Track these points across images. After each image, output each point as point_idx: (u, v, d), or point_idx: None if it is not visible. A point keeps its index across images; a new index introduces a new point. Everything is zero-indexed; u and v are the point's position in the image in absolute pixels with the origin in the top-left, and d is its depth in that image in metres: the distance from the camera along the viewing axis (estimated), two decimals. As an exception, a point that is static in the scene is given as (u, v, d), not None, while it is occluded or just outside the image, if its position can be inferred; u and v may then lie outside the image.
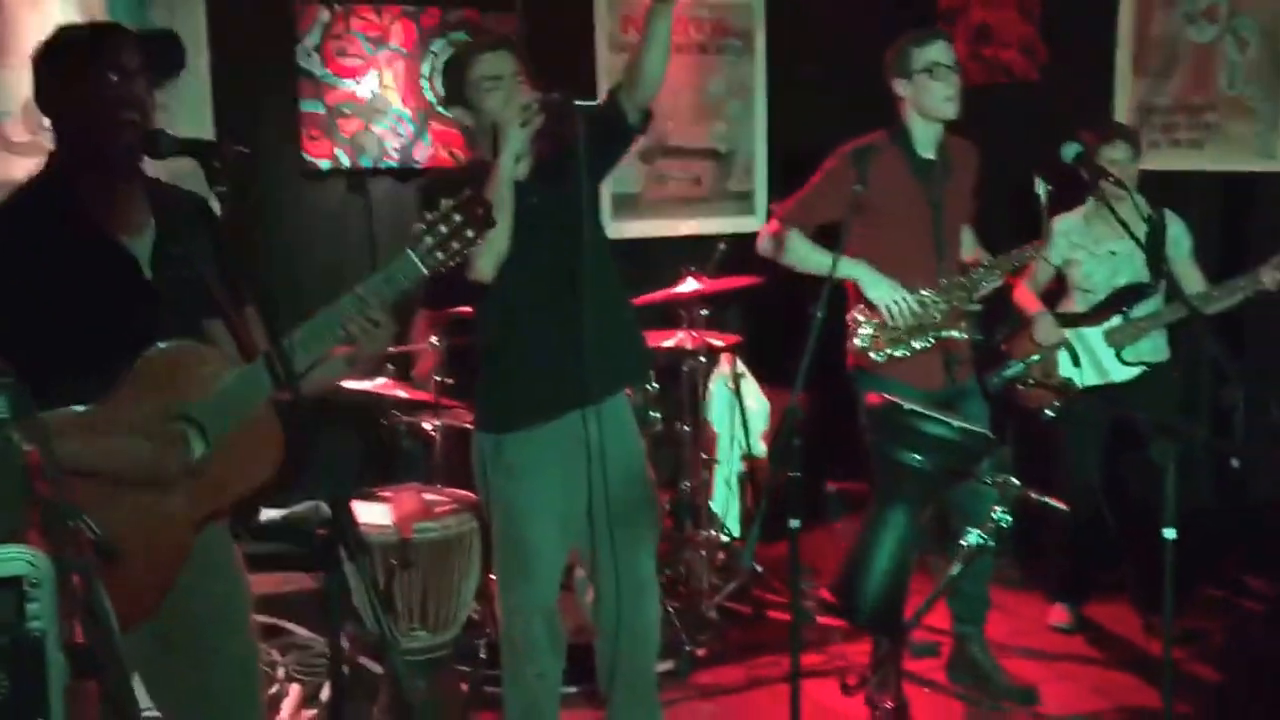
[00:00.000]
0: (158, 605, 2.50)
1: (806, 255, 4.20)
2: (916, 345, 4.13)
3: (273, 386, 2.50)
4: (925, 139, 4.18)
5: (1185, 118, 5.34)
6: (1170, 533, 2.93)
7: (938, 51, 4.11)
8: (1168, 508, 2.92)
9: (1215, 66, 5.19)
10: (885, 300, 4.09)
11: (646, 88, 3.35)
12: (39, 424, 1.39)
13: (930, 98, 4.12)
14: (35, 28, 5.03)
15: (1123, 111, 5.48)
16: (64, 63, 2.52)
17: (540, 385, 3.43)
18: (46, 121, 2.56)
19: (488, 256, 3.23)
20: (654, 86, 3.35)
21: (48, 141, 2.61)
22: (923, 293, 4.13)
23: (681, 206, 6.57)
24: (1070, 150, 3.92)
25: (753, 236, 6.53)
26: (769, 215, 4.36)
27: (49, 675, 1.33)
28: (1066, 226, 4.80)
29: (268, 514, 5.31)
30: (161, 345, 2.47)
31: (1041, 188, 3.96)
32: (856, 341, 4.15)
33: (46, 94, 2.55)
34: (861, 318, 4.16)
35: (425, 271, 2.59)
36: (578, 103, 3.23)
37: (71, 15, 5.09)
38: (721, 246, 5.36)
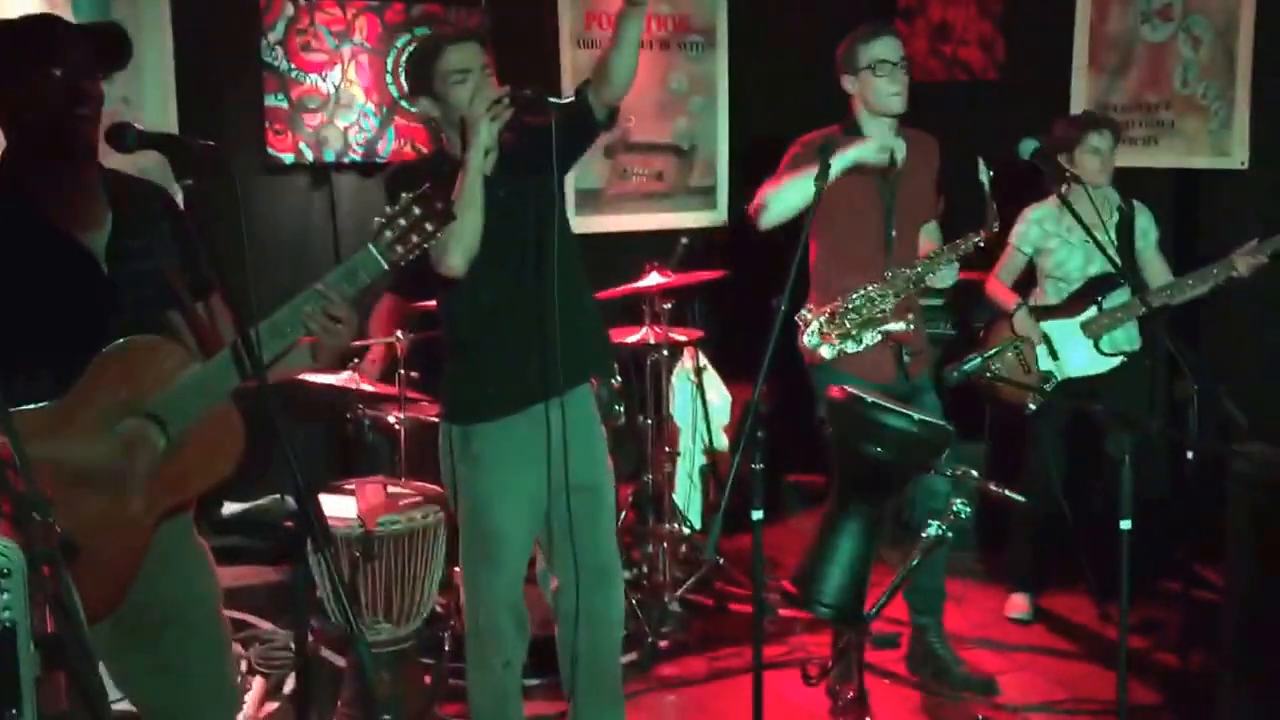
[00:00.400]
0: (120, 598, 2.50)
1: (789, 184, 4.06)
2: (866, 339, 4.16)
3: (238, 378, 2.51)
4: (877, 134, 4.18)
5: (1141, 115, 5.42)
6: (1126, 524, 2.98)
7: (883, 48, 4.13)
8: (1124, 499, 2.96)
9: (1170, 65, 5.27)
10: (871, 148, 4.00)
11: (615, 87, 3.37)
12: (8, 417, 1.40)
13: (876, 94, 4.14)
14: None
15: (1079, 108, 5.55)
16: (2, 59, 2.48)
17: (507, 377, 3.46)
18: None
19: (459, 250, 3.25)
20: (622, 86, 3.38)
21: None
22: (869, 287, 4.15)
23: (644, 201, 6.60)
24: (1027, 147, 3.95)
25: (715, 231, 6.65)
26: (743, 216, 4.34)
27: (20, 666, 1.33)
28: (1040, 214, 4.83)
29: (230, 507, 5.34)
30: (121, 340, 2.47)
31: (984, 174, 4.00)
32: (806, 339, 4.17)
33: None
34: (809, 314, 4.19)
35: (385, 266, 2.60)
36: (550, 99, 3.26)
37: (33, 6, 5.04)
38: (684, 241, 5.39)
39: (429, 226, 2.60)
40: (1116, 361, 4.78)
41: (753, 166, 6.72)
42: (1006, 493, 3.38)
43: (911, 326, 4.18)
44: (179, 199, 2.73)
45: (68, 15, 5.02)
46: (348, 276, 2.59)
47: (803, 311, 4.21)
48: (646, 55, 6.50)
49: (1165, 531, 4.62)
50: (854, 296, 4.15)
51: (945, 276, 4.19)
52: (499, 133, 3.28)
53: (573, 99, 3.44)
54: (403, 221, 2.59)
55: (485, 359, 3.48)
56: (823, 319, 4.16)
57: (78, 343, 2.45)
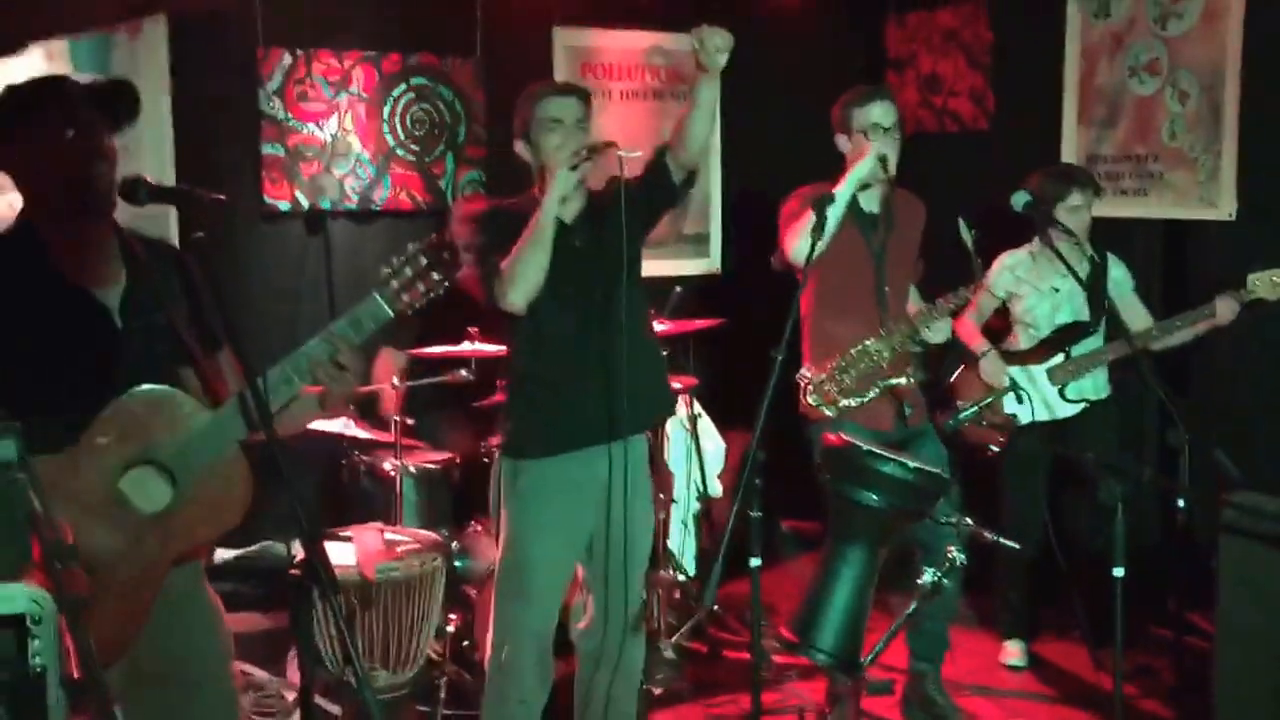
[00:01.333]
0: (126, 646, 2.51)
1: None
2: (867, 395, 4.19)
3: (246, 428, 2.53)
4: (868, 192, 4.25)
5: (1130, 166, 5.49)
6: (1119, 571, 3.01)
7: (878, 113, 4.19)
8: (1116, 547, 2.99)
9: (1158, 118, 5.35)
10: (867, 164, 4.07)
11: (691, 150, 3.48)
12: (33, 468, 1.43)
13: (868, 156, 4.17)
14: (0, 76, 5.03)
15: (1069, 160, 5.62)
16: (14, 122, 2.53)
17: (565, 417, 3.56)
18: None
19: (520, 287, 3.39)
20: (698, 150, 3.49)
21: (6, 184, 2.62)
22: (866, 341, 4.19)
23: (637, 249, 6.63)
24: (1020, 199, 4.04)
25: (709, 279, 6.69)
26: (778, 261, 4.38)
27: (49, 710, 1.36)
28: (1013, 261, 4.93)
29: (222, 554, 5.34)
30: (131, 391, 2.50)
31: (966, 232, 4.06)
32: (809, 399, 4.19)
33: (2, 153, 2.56)
34: (809, 374, 4.21)
35: (392, 315, 2.63)
36: (620, 152, 3.36)
37: (33, 60, 5.10)
38: (678, 289, 5.43)
39: (436, 276, 2.64)
40: (1078, 408, 4.86)
41: (746, 215, 6.82)
42: (1000, 540, 3.41)
43: (911, 381, 4.23)
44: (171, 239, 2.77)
45: (66, 66, 5.10)
46: (354, 325, 2.62)
47: (803, 371, 4.23)
48: (641, 105, 6.58)
49: (1157, 579, 4.65)
50: (851, 351, 4.19)
51: (939, 331, 4.23)
52: (579, 184, 3.44)
53: (650, 161, 3.57)
54: (409, 270, 2.63)
55: (544, 397, 3.58)
56: (823, 378, 4.18)
57: (90, 395, 2.47)
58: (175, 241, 5.08)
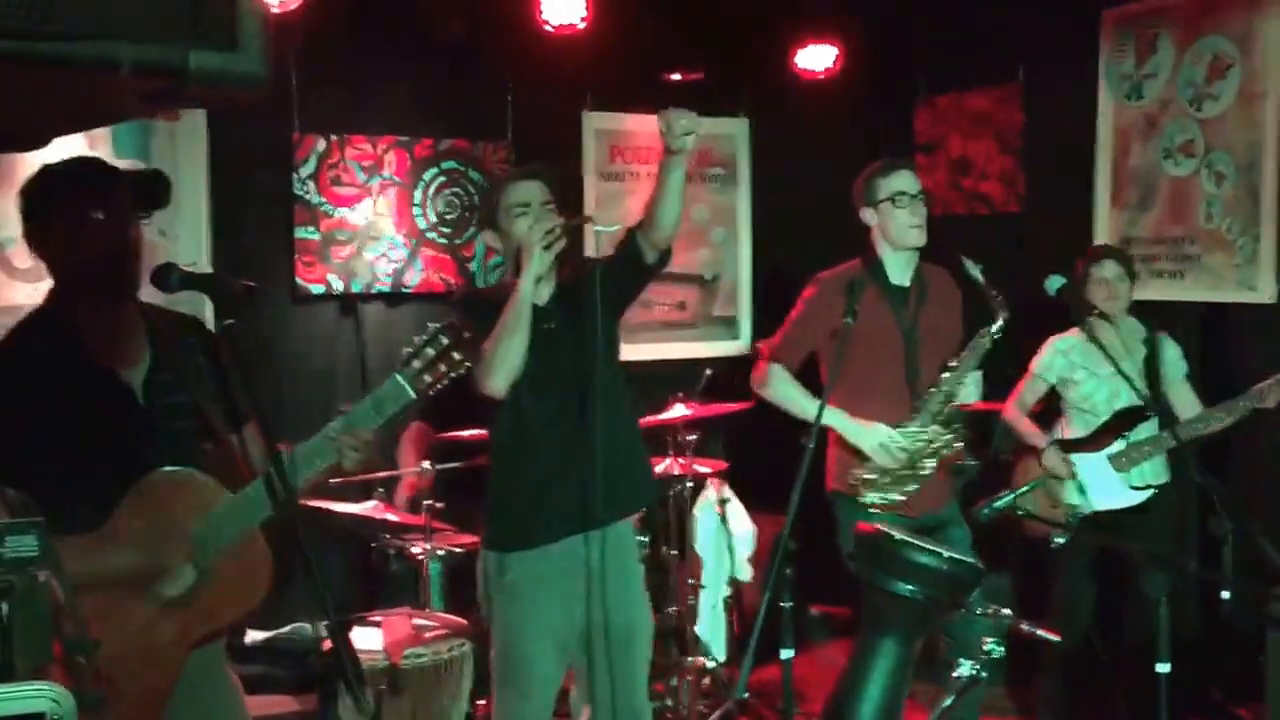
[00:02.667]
0: None
1: (792, 399, 4.18)
2: (923, 473, 4.11)
3: (270, 508, 2.52)
4: (897, 267, 4.20)
5: (1166, 249, 5.44)
6: (1164, 667, 2.93)
7: (901, 181, 4.17)
8: (1161, 641, 2.92)
9: (1193, 200, 5.32)
10: (873, 446, 4.06)
11: (662, 230, 3.47)
12: (57, 559, 1.42)
13: (895, 225, 4.14)
14: (39, 154, 5.09)
15: (1103, 243, 5.58)
16: (46, 202, 2.57)
17: (547, 506, 3.51)
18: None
19: (501, 372, 3.35)
20: (669, 229, 3.47)
21: (42, 266, 2.66)
22: (905, 426, 4.11)
23: (667, 331, 6.64)
24: (1054, 283, 3.98)
25: (738, 361, 6.67)
26: (755, 351, 4.38)
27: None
28: (1065, 345, 4.81)
29: (253, 635, 5.30)
30: (154, 473, 2.50)
31: (973, 268, 4.03)
32: (868, 498, 4.09)
33: (31, 233, 2.60)
34: (862, 474, 4.11)
35: (413, 395, 2.63)
36: (598, 227, 3.37)
37: (77, 143, 5.16)
38: (708, 372, 5.41)
39: (457, 356, 2.64)
40: (1145, 495, 4.71)
41: (775, 296, 6.80)
42: (1040, 632, 3.34)
43: (960, 443, 4.13)
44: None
45: (108, 150, 5.18)
46: (376, 406, 2.63)
47: (855, 472, 4.11)
48: (670, 188, 6.60)
49: (1201, 671, 4.54)
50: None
51: (970, 390, 4.16)
52: (555, 265, 3.42)
53: (622, 240, 3.55)
54: (430, 351, 2.63)
55: (524, 487, 3.53)
56: (875, 472, 4.09)
57: (114, 475, 2.48)
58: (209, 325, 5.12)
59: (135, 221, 2.57)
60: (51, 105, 1.32)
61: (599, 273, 3.43)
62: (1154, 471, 4.74)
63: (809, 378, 4.27)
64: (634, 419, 3.71)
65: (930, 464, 4.10)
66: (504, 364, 3.35)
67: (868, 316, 4.01)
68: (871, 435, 4.07)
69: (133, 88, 1.17)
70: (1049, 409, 4.95)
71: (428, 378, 2.63)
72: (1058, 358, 4.82)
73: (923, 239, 4.15)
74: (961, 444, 4.14)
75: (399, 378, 2.63)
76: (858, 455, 4.11)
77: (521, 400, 3.43)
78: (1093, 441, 4.75)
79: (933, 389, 4.12)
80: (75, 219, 2.52)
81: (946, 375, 4.11)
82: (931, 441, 4.09)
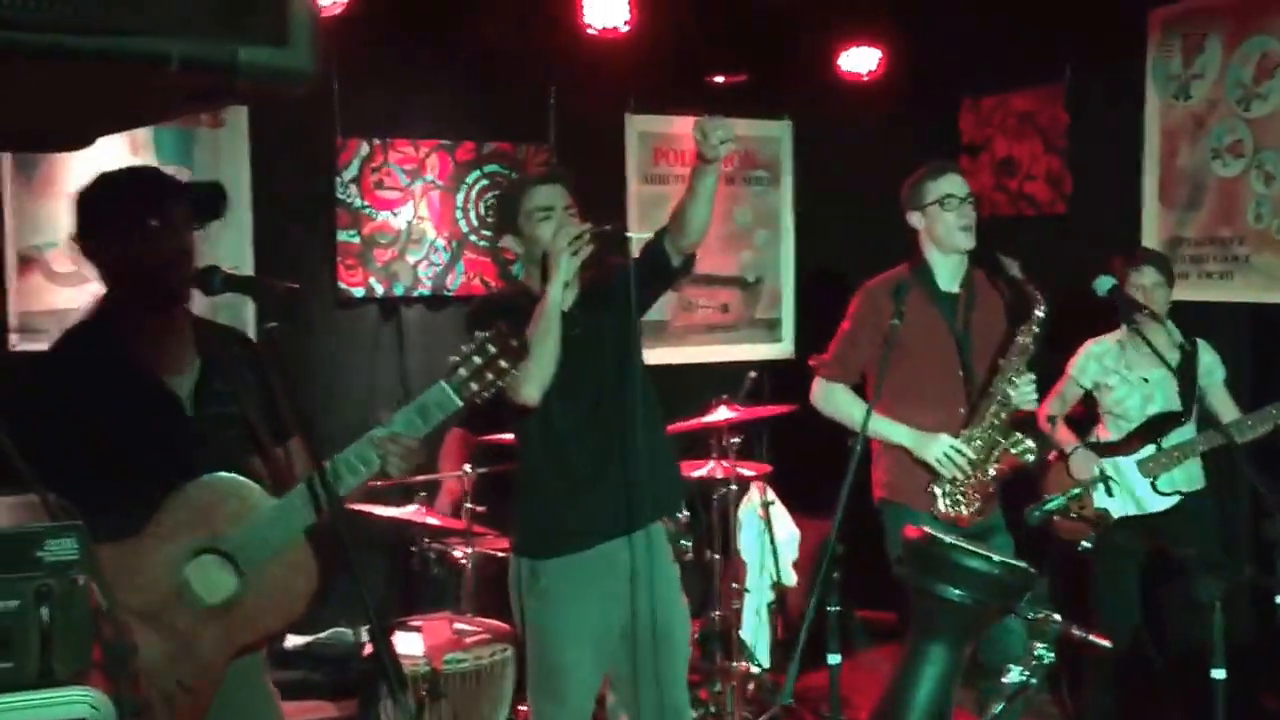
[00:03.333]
0: None
1: (849, 414, 4.13)
2: (989, 479, 4.06)
3: (313, 516, 2.51)
4: (946, 271, 4.15)
5: (1214, 249, 5.37)
6: (1219, 673, 2.88)
7: (950, 183, 4.12)
8: (1216, 647, 2.86)
9: (1242, 200, 5.24)
10: (937, 456, 4.02)
11: (690, 235, 3.45)
12: (99, 566, 1.41)
13: (944, 228, 4.10)
14: (81, 160, 5.13)
15: (1151, 243, 5.51)
16: (103, 209, 2.56)
17: (579, 513, 3.47)
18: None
19: (534, 382, 3.31)
20: (697, 234, 3.46)
21: (90, 272, 2.66)
22: (964, 432, 4.05)
23: (710, 334, 6.62)
24: (1104, 284, 3.94)
25: (781, 363, 6.64)
26: (808, 364, 4.35)
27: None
28: (1100, 349, 4.78)
29: (293, 640, 5.31)
30: (197, 480, 2.49)
31: (1011, 267, 3.99)
32: (950, 512, 4.03)
33: (87, 239, 2.59)
34: (936, 489, 4.05)
35: (460, 403, 2.61)
36: (629, 234, 3.34)
37: (119, 150, 5.21)
38: (751, 374, 5.38)
39: (504, 364, 2.62)
40: (1172, 501, 4.67)
41: (817, 299, 6.77)
42: (1091, 637, 3.28)
43: (1023, 440, 4.05)
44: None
45: (150, 155, 5.21)
46: (421, 413, 2.61)
47: (930, 488, 4.05)
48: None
49: (1255, 678, 4.46)
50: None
51: (1025, 392, 4.04)
52: (579, 269, 3.38)
53: (649, 243, 3.52)
54: (477, 359, 2.61)
55: (557, 493, 3.50)
56: (946, 485, 4.03)
57: (158, 483, 2.47)
58: (251, 329, 5.14)
59: (191, 231, 2.57)
60: (99, 103, 1.31)
61: (633, 274, 3.39)
62: (1185, 478, 4.69)
63: (862, 387, 4.24)
64: (661, 419, 3.67)
65: (994, 470, 4.05)
66: (538, 373, 3.30)
67: (917, 321, 3.98)
68: (935, 445, 4.02)
69: (181, 84, 1.15)
70: (1090, 414, 4.89)
71: (474, 386, 2.61)
72: (1091, 362, 4.78)
73: (971, 242, 4.10)
74: (1029, 449, 4.05)
75: (445, 386, 2.61)
76: (924, 468, 4.06)
77: (550, 407, 3.39)
78: (1125, 445, 4.71)
79: (986, 393, 4.07)
80: (132, 227, 2.51)
81: (996, 377, 4.06)
82: (993, 448, 4.04)
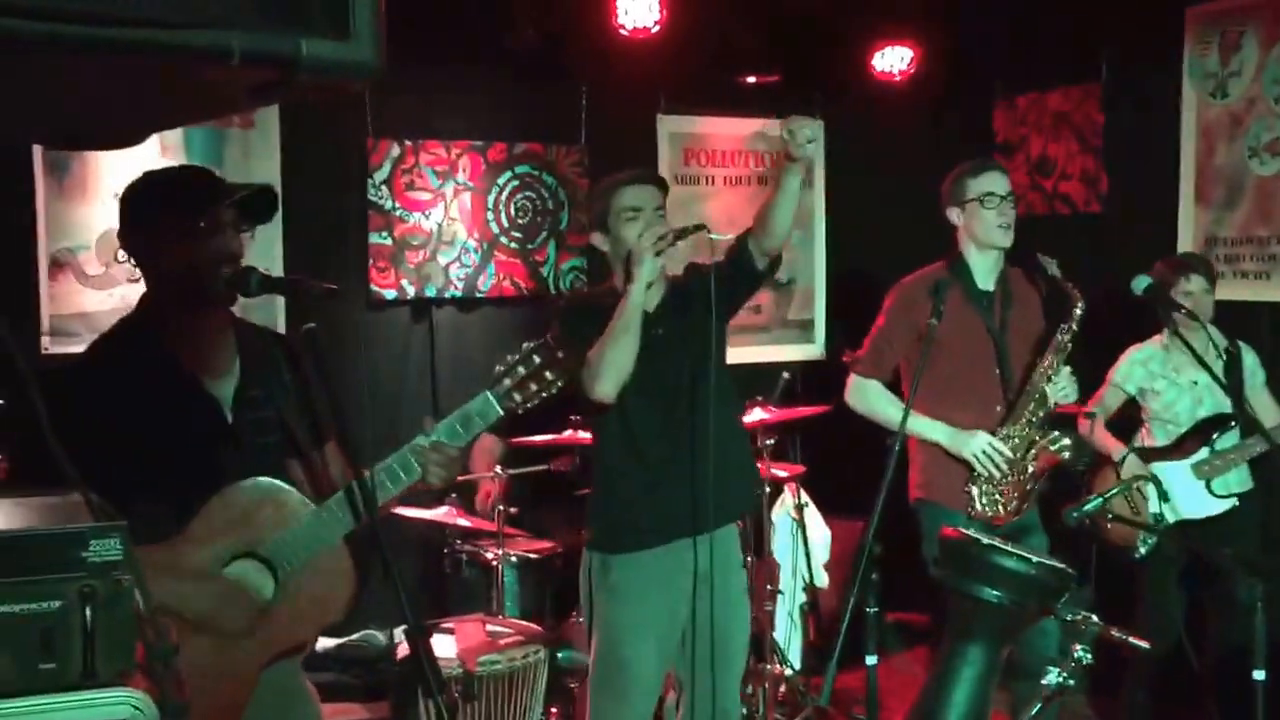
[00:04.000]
0: None
1: (884, 412, 4.15)
2: (1026, 477, 4.04)
3: (353, 523, 2.50)
4: (983, 269, 4.15)
5: (1252, 249, 5.32)
6: (1260, 674, 2.85)
7: (991, 181, 4.11)
8: (1257, 648, 2.83)
9: (1280, 199, 5.20)
10: (975, 453, 4.01)
11: (774, 237, 3.48)
12: (140, 567, 1.40)
13: (983, 226, 4.09)
14: (111, 162, 5.17)
15: (1187, 243, 5.47)
16: (149, 207, 2.53)
17: (654, 511, 3.50)
18: (124, 256, 2.59)
19: (610, 377, 3.35)
20: (782, 235, 3.49)
21: (120, 274, 2.65)
22: (1001, 430, 4.04)
23: (742, 335, 6.57)
24: (1141, 283, 3.91)
25: (814, 364, 6.62)
26: (840, 360, 4.34)
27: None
28: (1144, 355, 4.71)
29: (324, 642, 5.32)
30: (236, 484, 2.48)
31: (1048, 263, 3.97)
32: (986, 511, 4.03)
33: (133, 238, 2.56)
34: (973, 488, 4.05)
35: (502, 413, 2.60)
36: (711, 235, 3.35)
37: (150, 152, 5.23)
38: (785, 375, 5.36)
39: (549, 375, 2.60)
40: (1229, 504, 4.61)
41: (851, 299, 6.74)
42: (1130, 639, 3.24)
43: (1058, 437, 4.04)
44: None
45: (181, 157, 5.23)
46: (464, 422, 2.59)
47: (970, 488, 4.04)
48: (745, 190, 6.57)
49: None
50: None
51: (1065, 389, 4.03)
52: (663, 271, 3.44)
53: (733, 246, 3.55)
54: (522, 369, 2.60)
55: (632, 490, 3.53)
56: (984, 484, 4.03)
57: (198, 487, 2.46)
58: (282, 329, 5.17)
59: (239, 234, 2.54)
60: (155, 99, 1.30)
61: (714, 278, 3.41)
62: (1238, 480, 4.64)
63: (897, 385, 4.22)
64: (741, 424, 3.74)
65: (1032, 468, 4.03)
66: (613, 369, 3.34)
67: (954, 319, 3.96)
68: (973, 442, 4.01)
69: (241, 79, 1.14)
70: (1129, 420, 4.83)
71: (518, 396, 2.60)
72: (1136, 368, 4.71)
73: (1009, 240, 4.10)
74: (1065, 446, 4.04)
75: (489, 396, 2.59)
76: (963, 466, 4.04)
77: (628, 405, 3.43)
78: (1176, 450, 4.65)
79: (1024, 391, 4.05)
80: (178, 226, 2.48)
81: (1034, 375, 4.04)
82: (1030, 446, 4.02)
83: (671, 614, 3.50)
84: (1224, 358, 4.60)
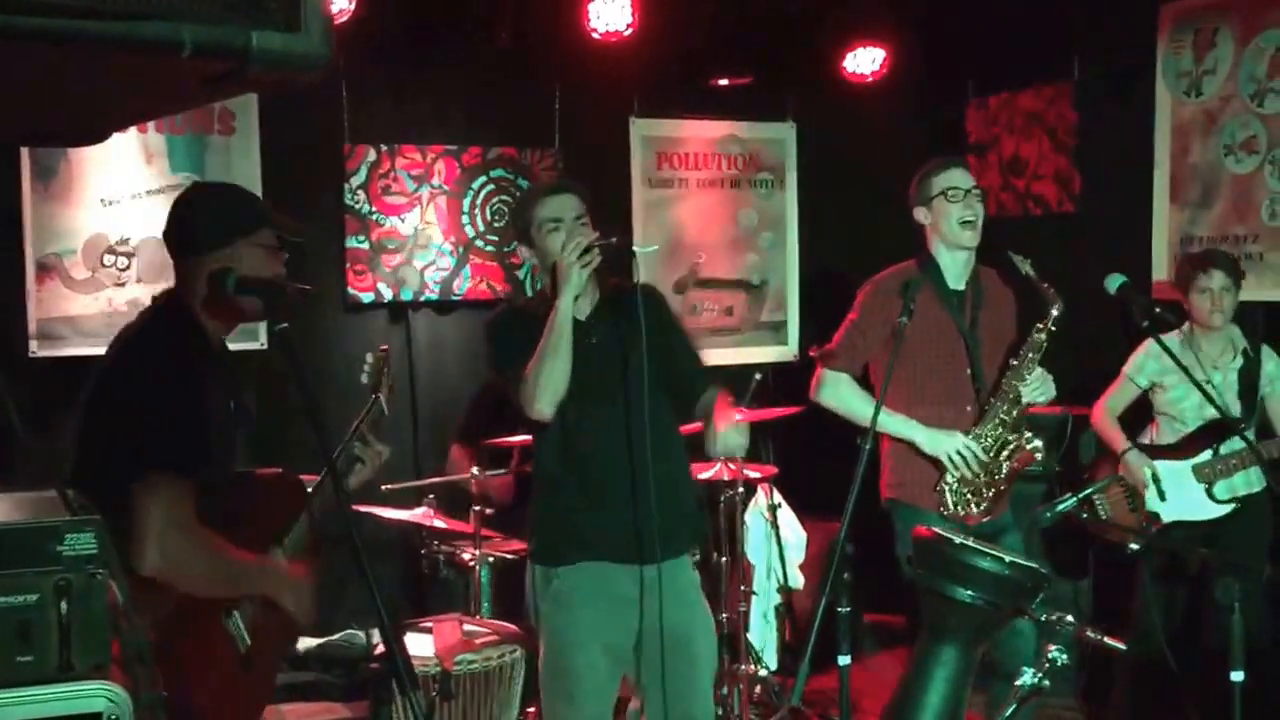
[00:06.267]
0: None
1: (853, 406, 4.11)
2: (1000, 477, 4.04)
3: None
4: (954, 269, 4.12)
5: (1227, 248, 5.33)
6: (1238, 675, 2.85)
7: (954, 176, 4.08)
8: (1234, 649, 2.84)
9: (1256, 197, 5.21)
10: (948, 452, 3.99)
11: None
12: (117, 560, 1.41)
13: (948, 221, 4.06)
14: (97, 168, 5.17)
15: (1161, 242, 5.49)
16: (238, 221, 2.74)
17: (593, 528, 3.42)
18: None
19: (547, 395, 3.28)
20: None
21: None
22: (975, 430, 4.04)
23: (715, 337, 6.61)
24: (1114, 282, 3.89)
25: (786, 366, 6.63)
26: (809, 356, 4.32)
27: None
28: (1159, 349, 4.55)
29: (305, 642, 5.31)
30: (257, 471, 2.77)
31: (1022, 263, 3.96)
32: (956, 510, 4.03)
33: (195, 244, 2.73)
34: (945, 489, 4.04)
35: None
36: (635, 248, 3.31)
37: (134, 158, 5.25)
38: (757, 377, 5.37)
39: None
40: (1228, 509, 4.55)
41: (823, 301, 6.76)
42: (1105, 639, 3.25)
43: (1032, 439, 4.03)
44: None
45: (164, 163, 5.28)
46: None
47: (942, 486, 4.03)
48: (717, 192, 6.59)
49: (1273, 681, 4.42)
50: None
51: (1039, 389, 4.01)
52: (592, 279, 3.36)
53: (685, 381, 3.52)
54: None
55: (572, 503, 3.45)
56: (956, 483, 4.03)
57: (229, 464, 2.75)
58: (262, 331, 5.19)
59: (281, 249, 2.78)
60: (112, 93, 1.31)
61: (640, 287, 3.36)
62: (1244, 481, 4.57)
63: (867, 383, 4.22)
64: (680, 440, 3.61)
65: (1006, 468, 4.03)
66: (549, 386, 3.27)
67: (925, 318, 3.95)
68: (948, 442, 4.00)
69: (194, 71, 1.15)
70: (1141, 415, 4.79)
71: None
72: (1151, 360, 4.63)
73: (976, 239, 4.07)
74: (1038, 447, 4.04)
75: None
76: (934, 465, 4.04)
77: (566, 414, 3.36)
78: (1181, 449, 4.60)
79: (998, 391, 4.05)
80: (259, 243, 2.73)
81: (1008, 374, 4.03)
82: (1003, 447, 4.03)
83: (616, 620, 3.42)
84: (1243, 359, 4.57)
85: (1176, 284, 4.33)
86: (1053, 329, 3.99)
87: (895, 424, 4.01)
